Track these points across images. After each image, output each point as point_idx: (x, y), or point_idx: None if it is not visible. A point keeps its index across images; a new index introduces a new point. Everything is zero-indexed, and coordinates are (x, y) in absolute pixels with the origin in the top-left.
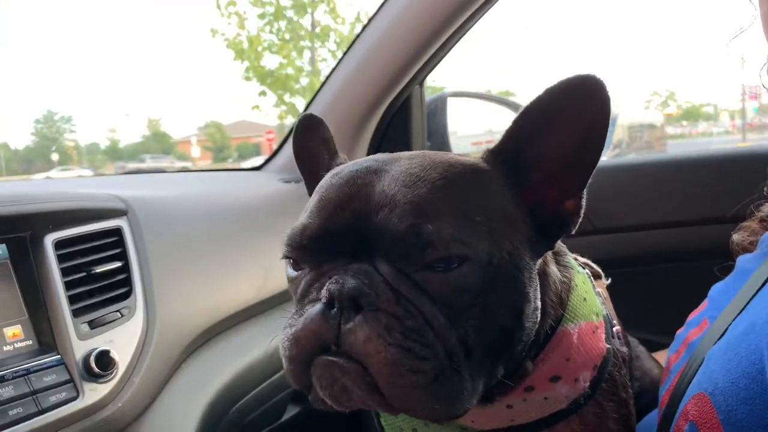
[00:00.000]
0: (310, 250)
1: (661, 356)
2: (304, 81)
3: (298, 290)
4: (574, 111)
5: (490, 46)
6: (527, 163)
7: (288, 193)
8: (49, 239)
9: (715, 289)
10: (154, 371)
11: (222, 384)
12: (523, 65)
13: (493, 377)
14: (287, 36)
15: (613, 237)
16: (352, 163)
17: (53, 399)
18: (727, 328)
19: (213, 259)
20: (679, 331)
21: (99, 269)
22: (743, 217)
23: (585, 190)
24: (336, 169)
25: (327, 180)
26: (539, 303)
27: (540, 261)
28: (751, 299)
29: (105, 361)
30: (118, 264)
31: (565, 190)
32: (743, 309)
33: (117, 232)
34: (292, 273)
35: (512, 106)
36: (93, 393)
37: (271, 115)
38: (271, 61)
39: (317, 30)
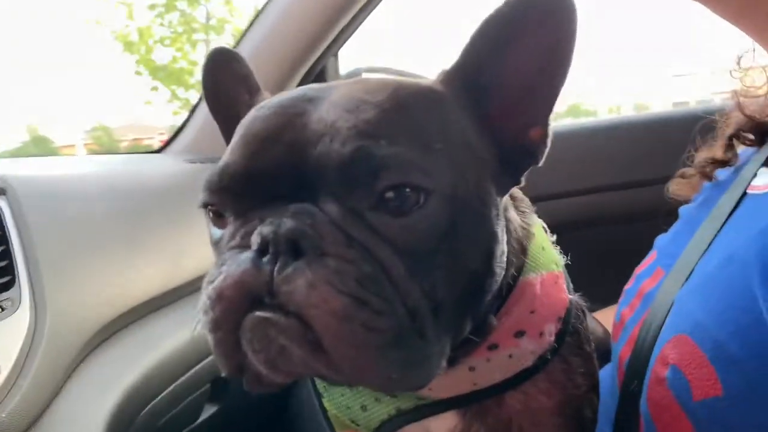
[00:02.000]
0: (234, 193)
1: (600, 316)
2: (199, 75)
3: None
4: (536, 26)
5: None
6: (487, 85)
7: (195, 173)
8: None
9: (662, 239)
10: (46, 373)
11: (129, 384)
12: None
13: (461, 335)
14: (180, 29)
15: (552, 203)
16: (280, 94)
17: None
18: (692, 269)
19: (114, 244)
20: (627, 287)
21: None
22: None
23: (550, 117)
24: (261, 103)
25: (251, 114)
26: (505, 246)
27: (502, 207)
28: (714, 237)
29: None
30: None
31: (529, 117)
32: (707, 248)
33: None
34: (216, 233)
35: None
36: None
37: (164, 113)
38: (163, 55)
39: (212, 22)
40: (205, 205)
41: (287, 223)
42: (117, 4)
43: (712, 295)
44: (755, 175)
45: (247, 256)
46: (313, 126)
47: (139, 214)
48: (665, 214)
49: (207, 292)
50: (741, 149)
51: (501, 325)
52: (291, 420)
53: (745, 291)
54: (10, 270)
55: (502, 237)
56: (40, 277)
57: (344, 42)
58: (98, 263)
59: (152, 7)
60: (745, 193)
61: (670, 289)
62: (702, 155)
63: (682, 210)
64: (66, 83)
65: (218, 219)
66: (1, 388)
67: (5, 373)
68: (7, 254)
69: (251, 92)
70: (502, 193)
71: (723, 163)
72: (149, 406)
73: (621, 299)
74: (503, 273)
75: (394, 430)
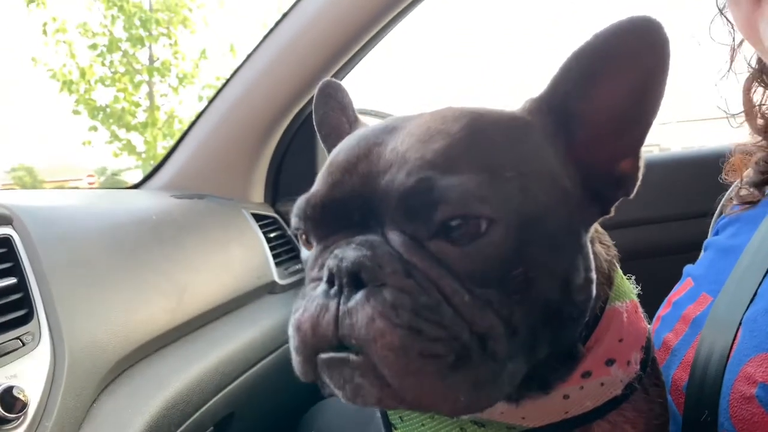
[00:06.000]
0: (316, 221)
1: None
2: (142, 116)
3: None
4: (629, 56)
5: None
6: (576, 114)
7: (186, 209)
8: None
9: (695, 269)
10: (68, 412)
11: (143, 425)
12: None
13: (535, 359)
14: (122, 69)
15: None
16: (361, 129)
17: None
18: (757, 290)
19: (119, 279)
20: (662, 313)
21: None
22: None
23: (642, 149)
24: (352, 134)
25: (340, 144)
26: (593, 276)
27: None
28: None
29: (10, 401)
30: (13, 280)
31: (619, 148)
32: None
33: (6, 242)
34: (305, 254)
35: None
36: None
37: (94, 155)
38: (103, 95)
39: (156, 64)
40: (294, 232)
41: (350, 256)
42: (58, 42)
43: None
44: None
45: (320, 289)
46: (387, 156)
47: (140, 250)
48: (689, 249)
49: (292, 319)
50: None
51: (593, 353)
52: None
53: None
54: (26, 303)
55: (586, 266)
56: (55, 310)
57: (348, 72)
58: (105, 299)
59: (94, 46)
60: None
61: (730, 313)
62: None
63: (709, 242)
64: None
65: (306, 243)
66: (30, 425)
67: (33, 410)
68: (24, 286)
69: (350, 121)
70: (588, 224)
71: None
72: None
73: (656, 326)
74: (590, 303)
75: None
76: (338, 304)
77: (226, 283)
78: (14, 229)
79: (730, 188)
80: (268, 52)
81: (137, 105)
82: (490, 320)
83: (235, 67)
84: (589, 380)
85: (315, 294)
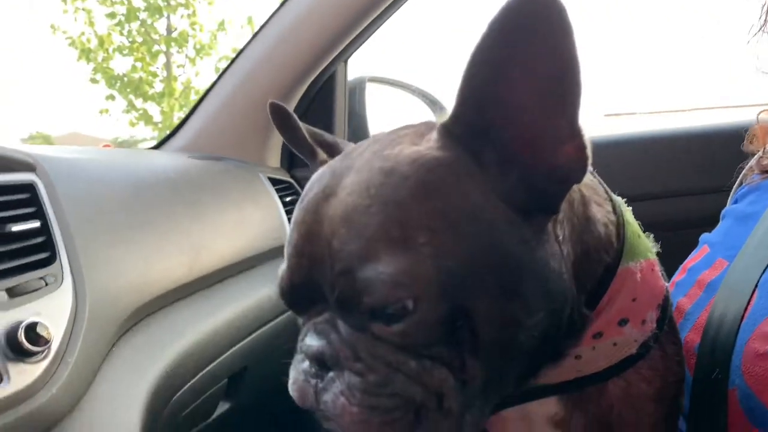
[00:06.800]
0: (289, 302)
1: None
2: (159, 86)
3: None
4: (527, 37)
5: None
6: (496, 118)
7: (204, 169)
8: None
9: (711, 237)
10: (89, 351)
11: (160, 371)
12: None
13: (508, 387)
14: (139, 39)
15: None
16: (317, 175)
17: None
18: None
19: (138, 232)
20: (677, 279)
21: (15, 228)
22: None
23: (580, 127)
24: (309, 183)
25: (299, 202)
26: (558, 272)
27: (579, 206)
28: None
29: (34, 336)
30: (36, 224)
31: (555, 134)
32: None
33: (30, 188)
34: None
35: (431, 99)
36: (21, 376)
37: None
38: (121, 64)
39: (174, 34)
40: None
41: (313, 345)
42: (77, 9)
43: None
44: None
45: (303, 367)
46: (323, 240)
47: (158, 206)
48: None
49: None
50: None
51: (605, 314)
52: (304, 422)
53: None
54: (49, 246)
55: (545, 275)
56: (77, 256)
57: (356, 49)
58: (126, 247)
59: (112, 15)
60: None
61: (746, 275)
62: None
63: (727, 211)
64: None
65: None
66: (51, 362)
67: (56, 346)
68: (47, 230)
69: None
70: (539, 230)
71: None
72: (177, 396)
73: (671, 290)
74: (565, 302)
75: (493, 413)
76: (316, 382)
77: (242, 242)
78: (37, 176)
79: (752, 158)
80: (289, 15)
81: (154, 75)
82: (441, 376)
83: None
84: (600, 341)
85: (300, 368)
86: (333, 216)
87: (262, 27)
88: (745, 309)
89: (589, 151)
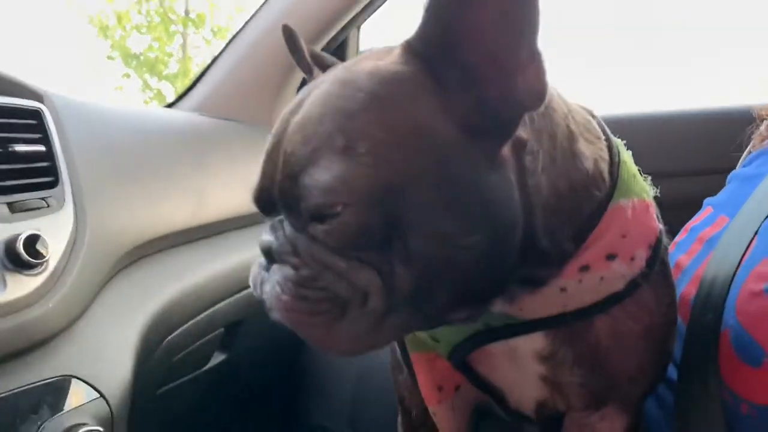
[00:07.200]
0: (256, 204)
1: None
2: (174, 67)
3: None
4: None
5: None
6: (459, 38)
7: (213, 127)
8: None
9: (715, 199)
10: (86, 276)
11: (156, 309)
12: None
13: (443, 301)
14: (157, 18)
15: None
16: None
17: None
18: None
19: (143, 174)
20: (678, 239)
21: (19, 148)
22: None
23: (539, 52)
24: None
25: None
26: (506, 199)
27: (564, 140)
28: None
29: (33, 250)
30: (41, 148)
31: (516, 56)
32: None
33: (37, 115)
34: None
35: None
36: (18, 286)
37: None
38: (138, 43)
39: (191, 15)
40: None
41: (264, 241)
42: None
43: None
44: None
45: (259, 261)
46: (283, 146)
47: (165, 154)
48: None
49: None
50: None
51: (593, 248)
52: (298, 376)
53: None
54: (53, 171)
55: (509, 187)
56: (79, 184)
57: (369, 15)
58: (131, 187)
59: None
60: None
61: (746, 225)
62: None
63: (733, 174)
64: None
65: None
66: (49, 277)
67: (53, 263)
68: (51, 156)
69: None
70: (491, 154)
71: None
72: (170, 337)
73: (671, 251)
74: (514, 240)
75: (477, 347)
76: (263, 273)
77: (246, 197)
78: (45, 106)
79: (763, 125)
80: None
81: (170, 55)
82: (368, 278)
83: None
84: (587, 274)
85: (258, 261)
86: (293, 124)
87: None
88: (743, 255)
89: (547, 77)
